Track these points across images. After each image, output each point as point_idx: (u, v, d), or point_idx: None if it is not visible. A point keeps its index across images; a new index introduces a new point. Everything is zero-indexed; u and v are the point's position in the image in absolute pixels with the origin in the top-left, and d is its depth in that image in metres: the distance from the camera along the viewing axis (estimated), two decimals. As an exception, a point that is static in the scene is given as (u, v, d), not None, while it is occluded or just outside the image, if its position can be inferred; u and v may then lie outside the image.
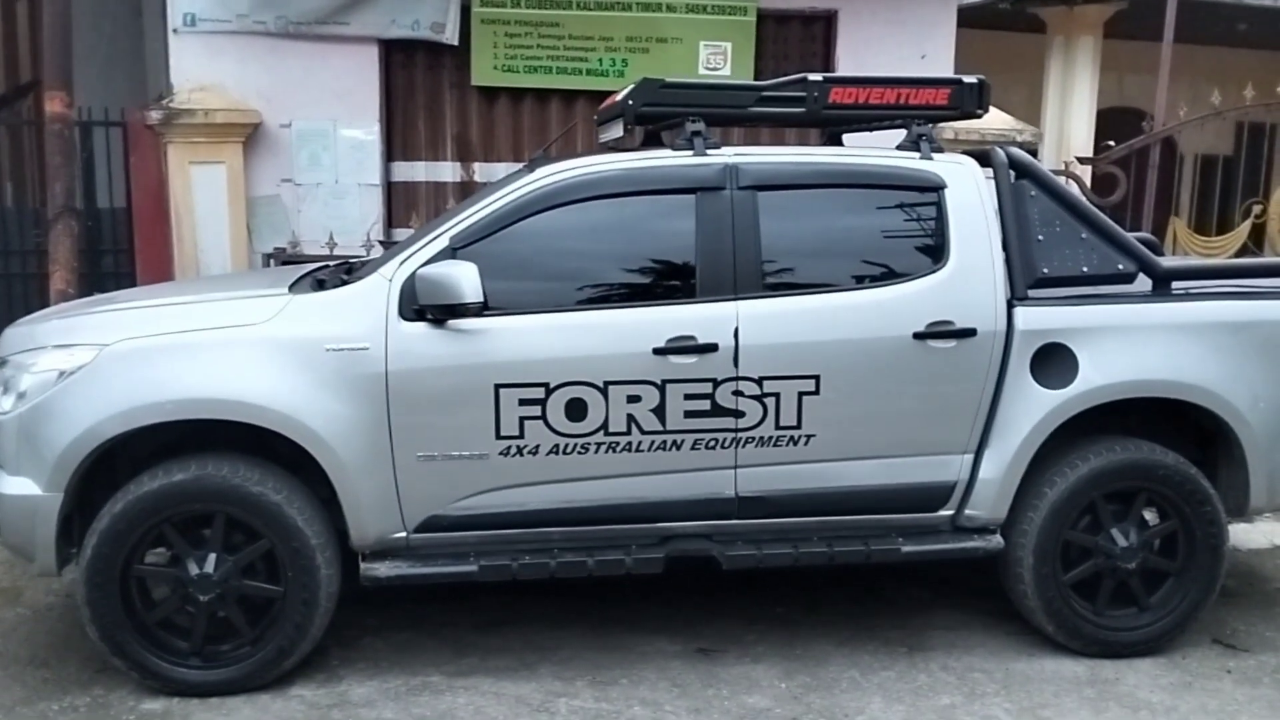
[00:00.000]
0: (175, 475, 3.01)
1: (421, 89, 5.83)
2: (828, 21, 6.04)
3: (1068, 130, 8.49)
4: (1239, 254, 6.17)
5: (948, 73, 5.52)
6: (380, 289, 3.11)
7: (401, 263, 3.14)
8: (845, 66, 5.84)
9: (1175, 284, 3.53)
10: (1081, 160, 6.21)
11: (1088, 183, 6.13)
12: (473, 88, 5.80)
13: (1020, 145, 5.93)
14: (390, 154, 5.81)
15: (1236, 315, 3.47)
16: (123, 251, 6.02)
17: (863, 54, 5.85)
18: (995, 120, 5.97)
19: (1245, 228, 6.18)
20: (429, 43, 5.66)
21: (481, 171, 5.81)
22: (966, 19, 9.25)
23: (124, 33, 7.32)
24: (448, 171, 5.87)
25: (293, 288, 3.30)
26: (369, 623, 3.61)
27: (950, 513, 3.40)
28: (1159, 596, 3.48)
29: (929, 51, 5.88)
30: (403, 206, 5.77)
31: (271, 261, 5.37)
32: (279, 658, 3.11)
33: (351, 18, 5.51)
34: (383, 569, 3.14)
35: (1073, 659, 3.44)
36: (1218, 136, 9.68)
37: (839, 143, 3.98)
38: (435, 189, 5.78)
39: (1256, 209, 6.15)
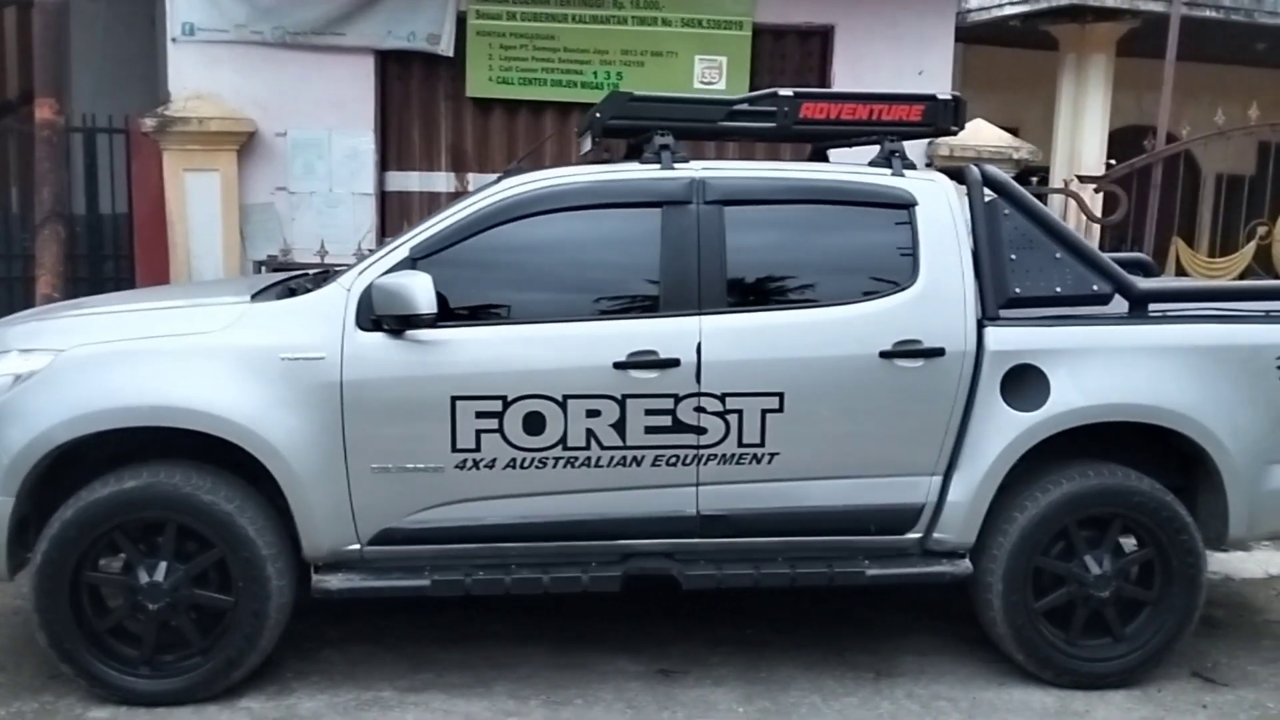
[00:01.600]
0: (126, 482, 3.01)
1: (416, 100, 5.86)
2: (824, 37, 5.99)
3: (1079, 149, 8.35)
4: (1243, 276, 6.01)
5: (946, 89, 5.46)
6: (338, 298, 3.11)
7: (360, 272, 3.14)
8: (842, 82, 5.79)
9: (1153, 306, 3.45)
10: (1082, 179, 6.09)
11: (1089, 202, 6.01)
12: (467, 99, 5.82)
13: (1017, 162, 5.90)
14: (385, 164, 5.84)
15: (1215, 339, 3.37)
16: (124, 257, 6.12)
17: (859, 70, 5.80)
18: (991, 136, 5.90)
19: (1250, 249, 6.03)
20: (425, 54, 5.70)
21: (475, 183, 5.79)
22: (980, 36, 9.20)
23: (138, 41, 7.46)
24: (442, 182, 5.89)
25: (256, 296, 3.31)
26: (330, 635, 3.60)
27: (918, 535, 3.33)
28: (1134, 627, 3.38)
29: (926, 67, 5.81)
30: (396, 216, 5.79)
31: (263, 269, 5.42)
32: (228, 669, 3.09)
33: (348, 28, 5.56)
34: (334, 581, 3.12)
35: (1043, 689, 3.35)
36: (1240, 156, 9.49)
37: (824, 159, 3.94)
38: (429, 199, 5.79)
39: (1261, 230, 5.99)
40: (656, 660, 3.49)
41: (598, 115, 3.35)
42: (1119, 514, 3.33)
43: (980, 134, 5.88)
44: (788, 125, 3.41)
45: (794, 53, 6.06)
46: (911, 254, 3.29)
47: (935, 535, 3.32)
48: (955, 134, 3.63)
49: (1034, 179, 6.18)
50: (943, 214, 3.33)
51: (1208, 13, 8.42)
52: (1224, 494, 3.33)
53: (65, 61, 4.89)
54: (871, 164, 3.46)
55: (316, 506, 3.07)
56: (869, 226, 3.34)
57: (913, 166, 3.44)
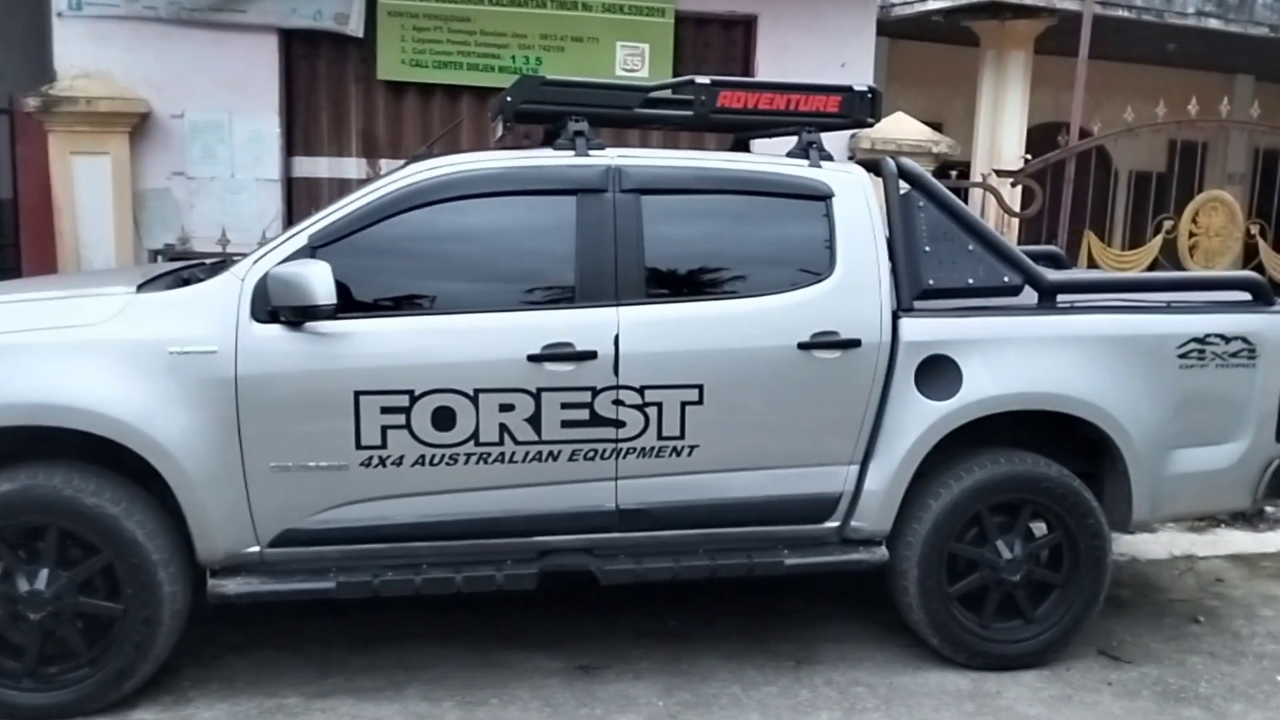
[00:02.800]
0: (2, 486, 2.81)
1: (325, 82, 5.61)
2: (747, 26, 5.96)
3: (999, 144, 8.54)
4: (1151, 269, 6.23)
5: (868, 81, 5.50)
6: (232, 289, 2.94)
7: (255, 261, 2.98)
8: (765, 72, 5.77)
9: (1061, 297, 3.51)
10: (999, 173, 6.23)
11: (1007, 196, 6.14)
12: (379, 82, 5.61)
13: (936, 156, 5.98)
14: (291, 148, 5.58)
15: (1119, 329, 3.45)
16: (9, 246, 5.74)
17: (782, 60, 5.79)
18: (912, 130, 5.97)
19: (1156, 243, 6.25)
20: (333, 34, 5.45)
21: (388, 169, 5.61)
22: (904, 31, 9.33)
23: (26, 16, 6.99)
24: (352, 168, 5.66)
25: (142, 287, 3.11)
26: (232, 639, 3.43)
27: (836, 524, 3.34)
28: (1044, 609, 3.46)
29: (849, 59, 5.84)
30: (304, 203, 5.55)
31: (160, 258, 5.13)
32: (118, 680, 2.92)
33: (249, 5, 5.28)
34: (232, 585, 2.97)
35: (958, 672, 3.40)
36: (1152, 153, 9.85)
37: (746, 149, 3.89)
38: (339, 186, 5.57)
39: (1168, 224, 6.22)
40: (577, 656, 3.43)
41: (508, 99, 3.25)
42: (1029, 500, 3.39)
43: (902, 127, 5.94)
44: (705, 114, 3.36)
45: (717, 41, 6.01)
46: (828, 246, 3.28)
47: (852, 523, 3.33)
48: (871, 125, 3.63)
49: (954, 173, 6.27)
50: (859, 206, 3.32)
51: (1121, 12, 8.69)
52: (1127, 479, 3.43)
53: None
54: (789, 155, 3.44)
55: (211, 508, 2.91)
56: (786, 218, 3.32)
57: (830, 158, 3.43)
